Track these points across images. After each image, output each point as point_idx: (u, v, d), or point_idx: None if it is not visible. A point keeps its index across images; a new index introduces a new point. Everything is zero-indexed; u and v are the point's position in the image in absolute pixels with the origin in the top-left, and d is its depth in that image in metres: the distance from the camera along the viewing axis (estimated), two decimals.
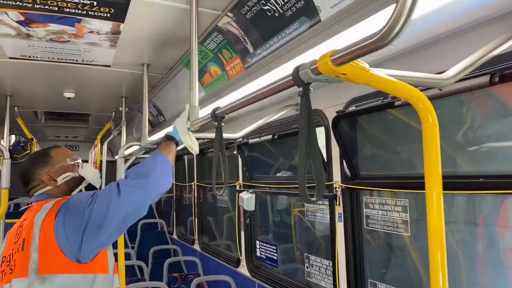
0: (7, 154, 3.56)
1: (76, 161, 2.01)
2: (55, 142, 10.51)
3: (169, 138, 2.09)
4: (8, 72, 3.88)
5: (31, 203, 1.90)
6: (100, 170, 7.03)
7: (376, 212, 2.42)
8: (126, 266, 3.88)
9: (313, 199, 1.18)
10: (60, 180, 1.92)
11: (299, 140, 1.16)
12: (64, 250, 1.60)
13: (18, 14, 2.55)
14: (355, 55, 0.97)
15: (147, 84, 3.66)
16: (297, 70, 1.17)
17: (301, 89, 1.18)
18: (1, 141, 5.27)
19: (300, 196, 1.19)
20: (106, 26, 2.73)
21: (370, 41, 0.91)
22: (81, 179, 1.99)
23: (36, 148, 6.84)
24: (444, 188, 1.20)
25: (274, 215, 4.01)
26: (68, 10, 2.49)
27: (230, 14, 2.44)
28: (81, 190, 1.98)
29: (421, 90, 1.23)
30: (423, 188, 2.08)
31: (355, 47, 0.95)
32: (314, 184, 1.20)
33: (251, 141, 3.63)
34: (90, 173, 2.00)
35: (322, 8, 1.85)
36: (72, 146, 10.90)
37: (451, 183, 1.84)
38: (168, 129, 4.70)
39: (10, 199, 4.05)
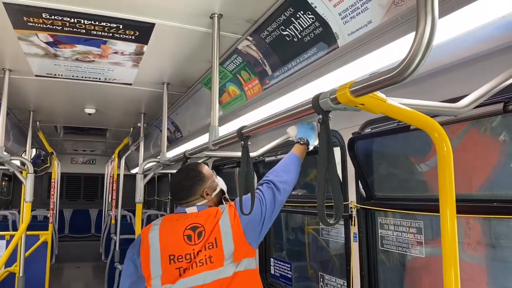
0: (31, 169, 3.67)
1: (215, 176, 2.43)
2: (73, 156, 10.75)
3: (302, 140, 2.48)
4: (33, 88, 4.04)
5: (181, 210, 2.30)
6: (117, 184, 7.16)
7: (391, 233, 2.45)
8: None
9: (331, 222, 1.23)
10: (213, 195, 2.33)
11: (319, 166, 1.22)
12: (249, 241, 2.13)
13: (48, 35, 2.68)
14: (373, 88, 1.03)
15: (166, 102, 3.77)
16: (317, 98, 1.24)
17: (320, 116, 1.24)
18: (23, 154, 5.42)
19: (319, 219, 1.24)
20: (130, 47, 2.85)
21: (388, 75, 0.96)
22: (222, 191, 2.41)
23: (55, 161, 7.01)
24: (458, 212, 1.24)
25: (289, 233, 4.03)
26: (95, 32, 2.61)
27: (250, 38, 2.53)
28: (224, 199, 2.42)
29: (433, 117, 1.28)
30: (436, 211, 2.11)
31: (374, 81, 1.01)
32: (331, 204, 1.25)
33: (267, 159, 3.68)
34: (224, 185, 2.44)
35: (340, 35, 1.92)
36: (89, 160, 11.10)
37: (464, 206, 1.87)
38: (186, 145, 4.79)
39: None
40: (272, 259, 3.92)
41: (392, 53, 1.75)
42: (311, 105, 1.28)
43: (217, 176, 2.44)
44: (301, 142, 2.42)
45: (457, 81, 1.85)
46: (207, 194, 2.31)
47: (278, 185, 2.24)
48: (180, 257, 2.09)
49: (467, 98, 1.37)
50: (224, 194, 2.42)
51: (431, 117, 1.22)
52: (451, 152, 1.20)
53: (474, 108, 1.40)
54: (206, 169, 2.40)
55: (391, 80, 0.96)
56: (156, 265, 2.09)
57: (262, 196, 2.20)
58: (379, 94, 1.12)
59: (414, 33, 1.56)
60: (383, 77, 0.99)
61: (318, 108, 1.23)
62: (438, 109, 1.31)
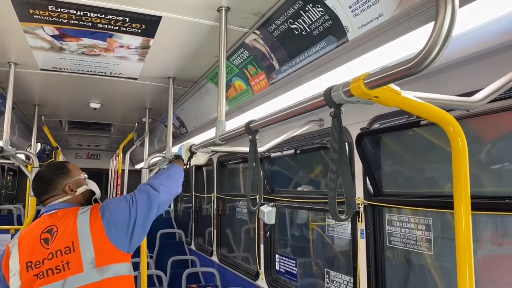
0: (36, 163, 3.66)
1: (85, 176, 2.26)
2: (77, 151, 10.76)
3: (178, 157, 2.59)
4: (38, 82, 4.02)
5: (44, 211, 2.09)
6: (122, 179, 7.16)
7: (399, 229, 2.42)
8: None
9: (343, 217, 1.20)
10: (79, 191, 2.15)
11: (330, 160, 1.19)
12: (116, 245, 1.93)
13: (53, 28, 2.66)
14: (389, 80, 1.00)
15: (172, 96, 3.74)
16: (329, 91, 1.21)
17: (332, 109, 1.21)
18: (28, 148, 5.43)
19: (330, 214, 1.21)
20: (136, 41, 2.82)
21: (405, 66, 0.94)
22: (91, 192, 2.24)
23: (60, 156, 7.01)
24: (472, 209, 1.21)
25: (294, 229, 4.02)
26: (101, 25, 2.59)
27: (257, 32, 2.50)
28: (94, 200, 2.24)
29: (447, 111, 1.25)
30: (448, 207, 2.09)
31: (389, 72, 0.98)
32: (340, 200, 1.22)
33: (273, 155, 3.66)
34: (96, 187, 2.27)
35: (350, 28, 1.89)
36: (94, 155, 11.11)
37: (479, 203, 1.84)
38: (192, 140, 4.77)
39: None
40: (277, 255, 3.90)
41: (403, 47, 1.72)
42: (322, 98, 1.25)
43: (89, 180, 2.26)
44: (175, 158, 2.60)
45: (470, 75, 1.82)
46: (71, 190, 2.12)
47: (157, 188, 2.11)
48: (37, 263, 1.89)
49: (481, 92, 1.34)
50: (94, 195, 2.24)
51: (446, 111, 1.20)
52: (466, 147, 1.17)
53: (488, 102, 1.37)
54: (74, 166, 2.24)
55: (408, 71, 0.93)
56: (15, 275, 1.91)
57: (133, 199, 2.04)
58: (393, 86, 1.10)
59: (428, 25, 1.54)
60: (399, 69, 0.96)
61: (330, 101, 1.20)
62: (452, 103, 1.28)
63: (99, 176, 11.40)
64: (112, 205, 2.03)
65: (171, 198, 2.21)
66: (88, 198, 2.21)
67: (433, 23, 0.90)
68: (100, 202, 2.22)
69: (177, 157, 2.67)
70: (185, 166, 2.59)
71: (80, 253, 1.88)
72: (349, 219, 2.82)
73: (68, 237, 1.91)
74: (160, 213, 2.16)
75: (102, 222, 1.94)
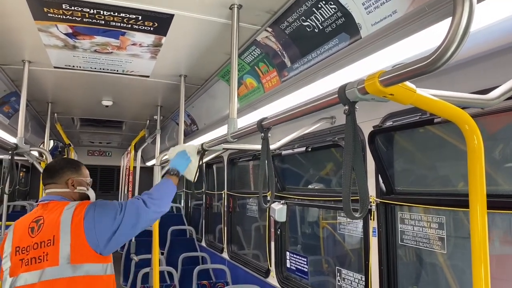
0: (49, 159, 3.71)
1: (90, 181, 2.37)
2: (89, 148, 10.85)
3: (173, 171, 2.46)
4: (51, 80, 4.07)
5: (40, 201, 2.21)
6: (134, 176, 7.21)
7: (412, 228, 2.41)
8: None
9: (357, 215, 1.20)
10: (78, 189, 2.26)
11: (344, 158, 1.19)
12: (91, 245, 1.97)
13: (67, 27, 2.69)
14: (404, 77, 0.99)
15: (183, 94, 3.76)
16: (343, 88, 1.20)
17: (346, 107, 1.21)
18: (41, 145, 5.49)
19: (344, 212, 1.21)
20: (148, 39, 2.84)
21: (422, 64, 0.93)
22: (87, 196, 2.32)
23: (73, 153, 7.09)
24: (488, 207, 1.20)
25: (305, 227, 4.01)
26: (114, 23, 2.61)
27: (269, 29, 2.50)
28: None
29: (462, 109, 1.24)
30: (461, 206, 2.07)
31: (406, 69, 0.98)
32: (354, 198, 1.22)
33: (284, 152, 3.66)
34: (93, 196, 2.35)
35: (363, 25, 1.88)
36: (105, 152, 11.21)
37: (494, 202, 1.82)
38: (202, 138, 4.79)
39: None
40: (288, 253, 3.91)
41: (417, 44, 1.70)
42: (336, 95, 1.24)
43: (91, 188, 2.36)
44: (171, 173, 2.43)
45: (485, 72, 1.80)
46: (72, 185, 2.24)
47: (148, 205, 2.12)
48: (23, 249, 2.02)
49: (497, 90, 1.33)
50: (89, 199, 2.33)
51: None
52: (482, 145, 1.16)
53: (505, 100, 1.36)
54: (85, 169, 2.37)
55: (425, 68, 0.92)
56: (6, 257, 2.06)
57: (122, 208, 2.07)
58: (408, 84, 1.09)
59: (442, 22, 1.52)
60: (416, 66, 0.95)
61: (344, 99, 1.20)
62: (468, 101, 1.27)
63: (111, 173, 11.51)
64: (100, 206, 2.07)
65: (159, 216, 2.23)
66: (82, 199, 2.26)
67: (447, 20, 0.90)
68: None
69: (173, 170, 2.47)
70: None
71: (59, 247, 1.95)
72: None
73: (51, 230, 1.99)
74: (144, 229, 2.19)
75: (83, 220, 1.98)
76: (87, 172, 2.37)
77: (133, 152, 7.39)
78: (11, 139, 3.82)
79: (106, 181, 11.61)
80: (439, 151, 2.42)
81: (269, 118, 1.83)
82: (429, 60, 0.92)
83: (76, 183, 2.26)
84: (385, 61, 1.87)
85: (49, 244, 1.97)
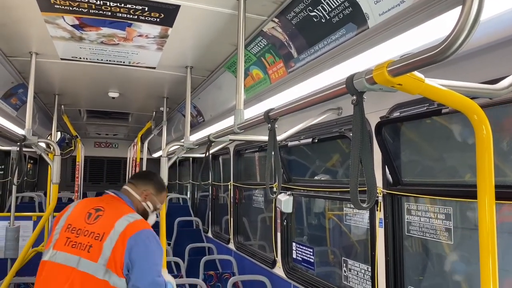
0: (57, 151, 3.74)
1: (160, 208, 2.53)
2: (96, 140, 10.90)
3: None
4: (58, 72, 4.08)
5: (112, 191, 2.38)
6: (140, 167, 7.25)
7: (418, 219, 2.41)
8: None
9: (365, 205, 1.20)
10: (146, 205, 2.42)
11: (352, 148, 1.19)
12: (125, 263, 2.03)
13: (74, 18, 2.69)
14: (413, 67, 0.99)
15: (190, 85, 3.76)
16: (351, 78, 1.20)
17: (354, 97, 1.20)
18: (49, 137, 5.53)
19: (351, 202, 1.21)
20: (155, 30, 2.84)
21: (431, 53, 0.92)
22: (148, 217, 2.44)
23: (80, 144, 7.13)
24: (496, 198, 1.19)
25: (311, 218, 4.03)
26: (120, 14, 2.61)
27: (276, 20, 2.49)
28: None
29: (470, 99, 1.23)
30: (468, 197, 2.07)
31: (415, 59, 0.97)
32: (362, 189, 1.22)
33: (290, 143, 3.66)
34: (152, 220, 2.48)
35: (371, 15, 1.87)
36: (112, 144, 11.26)
37: (502, 192, 1.82)
38: (208, 130, 4.79)
39: None
40: (294, 244, 3.92)
41: (425, 34, 1.69)
42: (344, 85, 1.24)
43: (155, 214, 2.49)
44: None
45: (494, 63, 1.78)
46: (145, 197, 2.40)
47: None
48: (74, 229, 2.13)
49: (506, 80, 1.32)
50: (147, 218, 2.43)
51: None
52: (490, 135, 1.16)
53: None
54: (165, 196, 2.55)
55: (434, 58, 0.92)
56: (58, 229, 2.19)
57: (160, 276, 2.14)
58: (417, 74, 1.08)
59: (450, 12, 1.51)
60: (425, 56, 0.95)
61: (352, 89, 1.19)
62: (476, 91, 1.26)
63: (117, 164, 11.56)
64: (152, 252, 2.13)
65: None
66: (143, 215, 2.36)
67: (457, 9, 0.89)
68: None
69: None
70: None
71: (102, 246, 2.03)
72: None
73: (104, 226, 2.09)
74: None
75: (132, 241, 2.05)
76: (164, 199, 2.54)
77: (139, 143, 7.42)
78: (19, 131, 3.85)
79: (113, 172, 11.67)
80: (446, 142, 2.41)
81: (276, 109, 1.83)
82: (438, 49, 0.91)
83: (149, 199, 2.42)
84: (393, 52, 1.86)
85: (97, 238, 2.06)
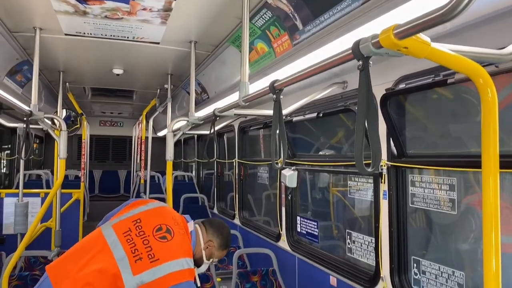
0: (64, 126, 3.77)
1: (214, 262, 2.57)
2: (101, 118, 10.93)
3: None
4: (63, 48, 4.08)
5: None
6: (146, 146, 7.30)
7: (422, 190, 2.43)
8: None
9: (369, 169, 1.21)
10: (202, 251, 2.41)
11: (358, 113, 1.20)
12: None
13: None
14: (420, 28, 0.99)
15: (194, 61, 3.75)
16: (357, 43, 1.20)
17: (360, 62, 1.21)
18: (55, 114, 5.55)
19: (356, 167, 1.23)
20: (158, 3, 2.82)
21: (438, 13, 0.92)
22: (200, 267, 2.47)
23: (85, 122, 7.16)
24: (500, 167, 1.19)
25: (315, 192, 4.06)
26: None
27: None
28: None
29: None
30: (472, 167, 2.08)
31: (421, 20, 0.97)
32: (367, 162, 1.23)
33: (295, 119, 3.66)
34: (203, 271, 2.51)
35: None
36: (117, 122, 11.29)
37: (506, 162, 1.82)
38: (213, 106, 4.79)
39: None
40: (298, 217, 3.97)
41: (430, 2, 1.67)
42: (350, 51, 1.24)
43: (207, 265, 2.50)
44: None
45: (501, 31, 1.77)
46: (207, 247, 2.41)
47: None
48: (139, 227, 2.17)
49: None
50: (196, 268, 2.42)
51: None
52: (496, 99, 1.16)
53: None
54: (224, 254, 2.55)
55: (441, 18, 0.92)
56: (127, 214, 2.28)
57: None
58: (423, 37, 1.08)
59: None
60: (431, 16, 0.95)
61: (359, 54, 1.20)
62: (482, 56, 1.26)
63: (123, 143, 11.63)
64: None
65: None
66: (196, 260, 2.38)
67: None
68: (196, 276, 2.36)
69: None
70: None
71: (149, 270, 2.02)
72: (371, 181, 2.84)
73: (162, 253, 2.07)
74: None
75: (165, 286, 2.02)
76: (221, 257, 2.54)
77: (144, 121, 7.44)
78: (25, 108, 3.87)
79: (118, 151, 11.75)
80: (451, 114, 2.41)
81: (283, 78, 1.83)
82: (445, 9, 0.91)
83: (208, 250, 2.42)
84: (400, 21, 1.84)
85: (150, 258, 2.05)
